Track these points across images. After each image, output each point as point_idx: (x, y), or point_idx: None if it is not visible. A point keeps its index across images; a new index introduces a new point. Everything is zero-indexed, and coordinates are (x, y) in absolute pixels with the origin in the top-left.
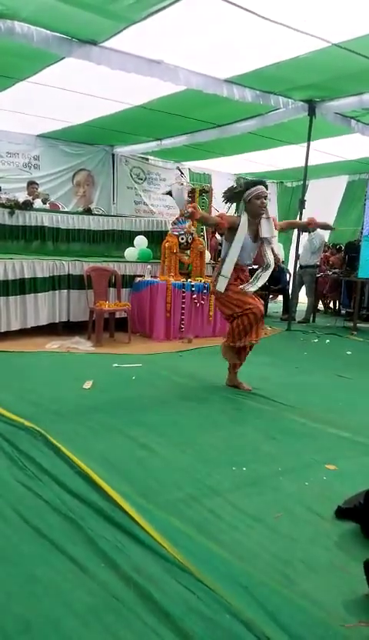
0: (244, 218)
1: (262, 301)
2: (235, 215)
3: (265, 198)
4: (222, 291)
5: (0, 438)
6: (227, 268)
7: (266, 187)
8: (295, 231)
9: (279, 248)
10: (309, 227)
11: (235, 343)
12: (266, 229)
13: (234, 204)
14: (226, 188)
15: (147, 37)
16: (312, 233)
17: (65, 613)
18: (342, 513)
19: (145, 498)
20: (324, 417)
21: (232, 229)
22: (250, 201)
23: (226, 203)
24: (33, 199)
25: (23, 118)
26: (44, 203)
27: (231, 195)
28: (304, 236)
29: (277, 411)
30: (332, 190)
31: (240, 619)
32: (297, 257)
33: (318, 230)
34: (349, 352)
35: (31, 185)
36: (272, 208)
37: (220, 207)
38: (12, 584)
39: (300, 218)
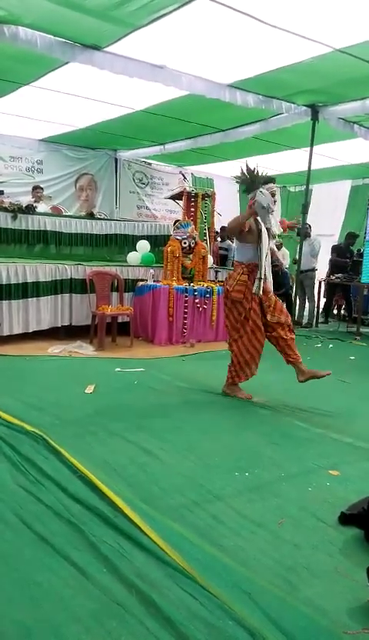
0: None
1: None
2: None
3: (274, 195)
4: (258, 292)
5: (1, 442)
6: (261, 272)
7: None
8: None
9: (286, 254)
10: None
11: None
12: (274, 224)
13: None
14: (242, 174)
15: (150, 42)
16: (312, 237)
17: (67, 619)
18: (345, 519)
19: (147, 503)
20: (326, 422)
21: (251, 229)
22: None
23: (244, 191)
24: (35, 202)
25: (26, 123)
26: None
27: (249, 185)
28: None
29: (280, 417)
30: (336, 195)
31: (242, 625)
32: (295, 261)
33: (317, 234)
34: (352, 357)
35: (36, 189)
36: (276, 211)
37: (223, 211)
38: (13, 589)
39: (304, 223)
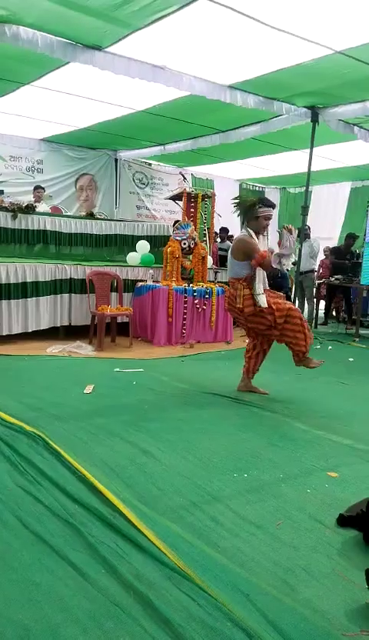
0: (253, 234)
1: None
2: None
3: (269, 219)
4: (265, 305)
5: (0, 442)
6: (260, 287)
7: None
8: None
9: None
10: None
11: (309, 345)
12: (263, 244)
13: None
14: (240, 200)
15: (151, 43)
16: (312, 238)
17: (65, 619)
18: (344, 521)
19: (146, 504)
20: (325, 424)
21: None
22: (259, 218)
23: (238, 214)
24: (35, 202)
25: (27, 122)
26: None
27: (246, 208)
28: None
29: (279, 418)
30: (336, 196)
31: (241, 627)
32: (294, 263)
33: (317, 236)
34: (351, 359)
35: (37, 189)
36: (274, 214)
37: (222, 212)
38: (12, 590)
39: (304, 225)
